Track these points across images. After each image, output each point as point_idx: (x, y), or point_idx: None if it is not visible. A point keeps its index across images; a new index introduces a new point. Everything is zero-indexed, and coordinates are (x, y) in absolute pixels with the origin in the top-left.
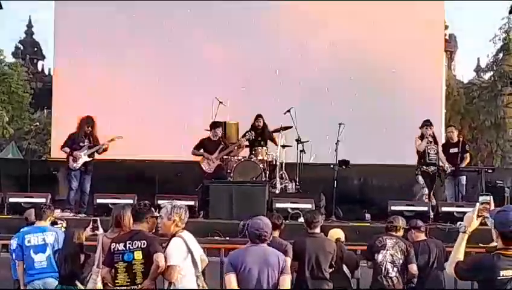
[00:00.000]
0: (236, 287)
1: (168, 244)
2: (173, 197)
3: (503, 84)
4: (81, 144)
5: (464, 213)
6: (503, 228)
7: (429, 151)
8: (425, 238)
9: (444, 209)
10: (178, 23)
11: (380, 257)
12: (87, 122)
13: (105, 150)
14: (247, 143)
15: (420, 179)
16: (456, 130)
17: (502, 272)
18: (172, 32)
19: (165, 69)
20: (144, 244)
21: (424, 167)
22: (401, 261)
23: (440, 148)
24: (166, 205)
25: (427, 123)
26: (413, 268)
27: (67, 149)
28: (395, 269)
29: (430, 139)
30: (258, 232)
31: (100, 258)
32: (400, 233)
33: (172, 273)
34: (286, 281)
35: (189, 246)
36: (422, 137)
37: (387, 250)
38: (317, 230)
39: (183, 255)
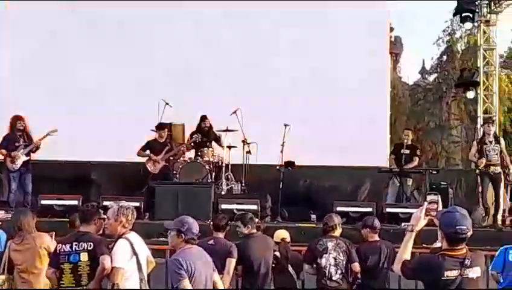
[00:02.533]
0: None
1: (113, 246)
2: (119, 198)
3: (447, 86)
4: (17, 143)
5: (409, 214)
6: (448, 229)
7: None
8: (379, 239)
9: (389, 210)
10: (126, 22)
11: (323, 261)
12: (18, 121)
13: (38, 147)
14: (192, 145)
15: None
16: (412, 134)
17: (446, 273)
18: (121, 31)
19: (111, 69)
20: (90, 246)
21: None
22: (344, 263)
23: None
24: (113, 206)
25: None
26: (356, 267)
27: (4, 151)
28: (339, 271)
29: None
30: (197, 232)
31: (6, 264)
32: (338, 231)
33: (116, 275)
34: (226, 280)
35: (134, 249)
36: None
37: (329, 253)
38: (254, 230)
39: (128, 258)
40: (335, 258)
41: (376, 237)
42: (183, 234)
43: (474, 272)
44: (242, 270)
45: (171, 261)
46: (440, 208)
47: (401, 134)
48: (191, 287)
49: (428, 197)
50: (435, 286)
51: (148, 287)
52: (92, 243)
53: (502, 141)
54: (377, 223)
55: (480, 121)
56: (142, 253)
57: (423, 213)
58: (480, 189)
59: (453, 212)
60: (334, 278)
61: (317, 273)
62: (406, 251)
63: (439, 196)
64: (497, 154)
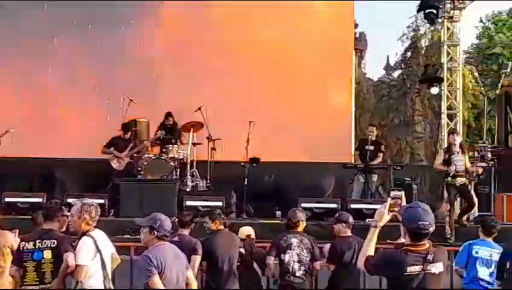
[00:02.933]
0: (162, 288)
1: (77, 243)
2: (83, 195)
3: (411, 82)
4: None
5: (373, 210)
6: (411, 225)
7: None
8: (351, 234)
9: (353, 206)
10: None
11: (286, 257)
12: None
13: None
14: (156, 141)
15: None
16: (377, 130)
17: (409, 268)
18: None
19: (77, 66)
20: (53, 243)
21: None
22: (307, 259)
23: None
24: (77, 203)
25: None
26: (317, 266)
27: None
28: (302, 267)
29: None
30: (170, 229)
31: None
32: (302, 227)
33: (79, 272)
34: (193, 276)
35: (98, 246)
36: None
37: (293, 250)
38: (222, 227)
39: (92, 255)
40: (298, 255)
41: (349, 233)
42: (155, 231)
43: (437, 268)
44: (207, 266)
45: (141, 257)
46: (404, 203)
47: (366, 130)
48: (160, 284)
49: (392, 193)
50: (398, 282)
51: (112, 285)
52: (55, 241)
53: (466, 155)
54: (350, 218)
55: (444, 116)
56: (106, 250)
57: (387, 209)
58: (446, 199)
59: (416, 208)
60: (297, 275)
61: (280, 270)
62: (369, 247)
63: (403, 192)
64: (463, 165)
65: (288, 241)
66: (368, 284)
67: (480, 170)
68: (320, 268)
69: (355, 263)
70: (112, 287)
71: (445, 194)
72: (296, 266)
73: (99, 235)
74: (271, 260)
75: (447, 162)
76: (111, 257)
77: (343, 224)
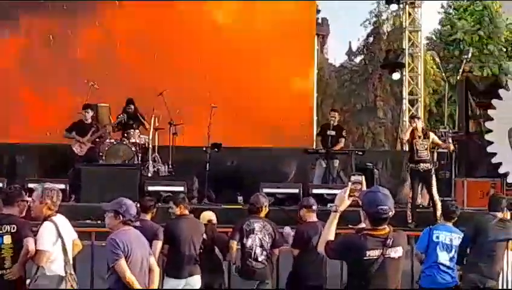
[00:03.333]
0: (129, 271)
1: (39, 228)
2: (44, 180)
3: (373, 68)
4: None
5: (334, 195)
6: (370, 209)
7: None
8: (317, 220)
9: (315, 191)
10: None
11: (249, 242)
12: None
13: None
14: (118, 126)
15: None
16: (338, 115)
17: (368, 253)
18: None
19: (35, 49)
20: (13, 228)
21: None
22: (269, 245)
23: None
24: (38, 188)
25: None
26: (276, 252)
27: None
28: (264, 252)
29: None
30: (135, 214)
31: None
32: (264, 212)
33: (40, 257)
34: (155, 262)
35: (60, 231)
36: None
37: (256, 234)
38: (186, 212)
39: (53, 240)
40: (261, 240)
41: (314, 218)
42: (120, 216)
43: (396, 252)
44: (168, 250)
45: (108, 241)
46: (364, 188)
47: (328, 115)
48: (126, 267)
49: (352, 178)
50: (357, 266)
51: (73, 270)
52: (15, 226)
53: (432, 135)
54: (312, 202)
55: (405, 102)
56: (68, 236)
57: (347, 194)
58: (410, 186)
59: (375, 193)
60: (259, 259)
61: (241, 255)
62: (330, 232)
63: (363, 177)
64: (426, 149)
65: (251, 226)
66: (329, 269)
67: (452, 147)
68: (280, 253)
69: None
70: (73, 273)
71: (409, 180)
72: (258, 250)
73: (61, 220)
74: (234, 244)
75: (411, 148)
76: (72, 243)
77: (308, 209)
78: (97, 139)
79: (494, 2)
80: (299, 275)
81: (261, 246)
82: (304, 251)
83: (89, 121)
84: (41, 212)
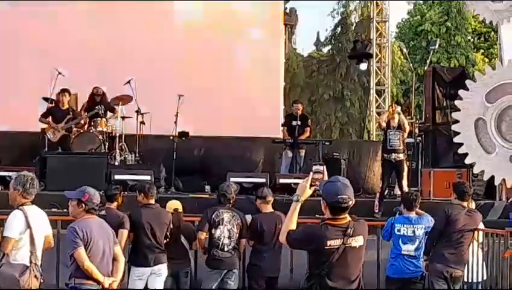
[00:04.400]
0: (88, 260)
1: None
2: (11, 168)
3: (341, 58)
4: None
5: None
6: (330, 199)
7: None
8: (273, 211)
9: (282, 181)
10: None
11: (217, 232)
12: None
13: None
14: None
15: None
16: (302, 106)
17: (329, 242)
18: None
19: (8, 34)
20: None
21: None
22: (236, 236)
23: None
24: (13, 175)
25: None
26: (243, 243)
27: None
28: (232, 243)
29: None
30: (98, 203)
31: None
32: (232, 201)
33: (5, 245)
34: (120, 251)
35: (29, 221)
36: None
37: (224, 225)
38: (153, 201)
39: (21, 229)
40: (229, 231)
41: (270, 209)
42: (83, 204)
43: (357, 241)
44: (133, 238)
45: (68, 229)
46: (326, 177)
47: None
48: (85, 255)
49: (314, 167)
50: (318, 255)
51: (39, 261)
52: None
53: (407, 128)
54: (266, 193)
55: (373, 92)
56: (39, 228)
57: (308, 183)
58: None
59: (335, 182)
60: (226, 249)
61: (208, 244)
62: (291, 222)
63: (324, 166)
64: (398, 139)
65: (220, 217)
66: (295, 259)
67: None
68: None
69: (276, 240)
70: (38, 264)
71: (378, 169)
72: (226, 241)
73: (34, 211)
74: (202, 236)
75: (384, 137)
76: (44, 239)
77: (262, 200)
78: (73, 127)
79: None
80: (255, 266)
81: (229, 237)
82: (258, 242)
83: (66, 106)
84: (15, 200)
